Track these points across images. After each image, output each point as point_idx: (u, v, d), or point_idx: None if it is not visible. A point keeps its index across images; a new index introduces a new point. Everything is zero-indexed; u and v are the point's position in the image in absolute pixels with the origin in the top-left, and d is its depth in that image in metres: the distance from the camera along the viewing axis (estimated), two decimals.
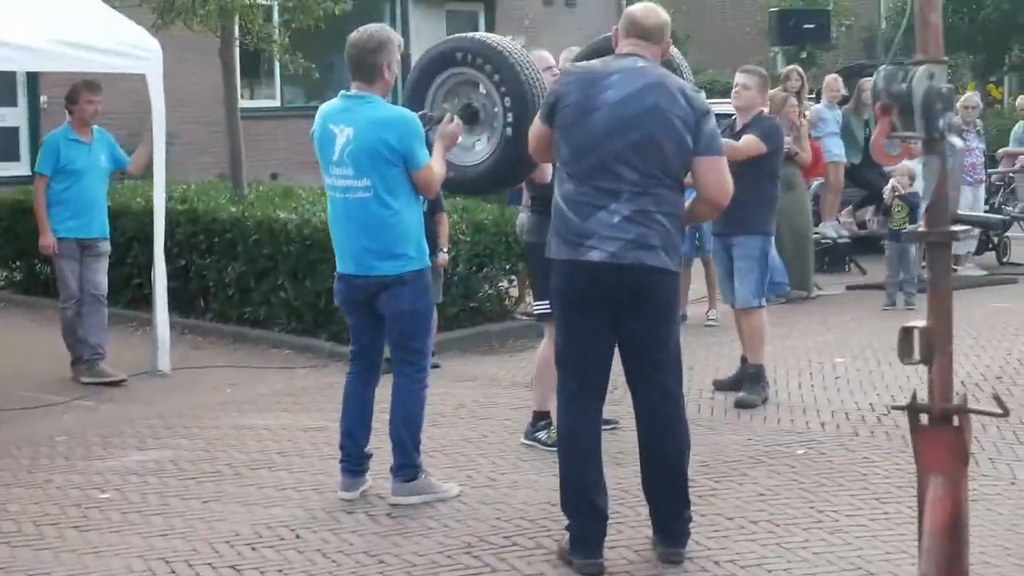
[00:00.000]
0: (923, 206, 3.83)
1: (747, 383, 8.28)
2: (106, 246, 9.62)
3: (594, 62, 5.54)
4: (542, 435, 7.20)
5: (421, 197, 6.27)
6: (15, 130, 18.15)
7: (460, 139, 6.46)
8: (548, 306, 6.85)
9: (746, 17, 29.81)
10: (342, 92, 6.25)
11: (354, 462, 6.41)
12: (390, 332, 6.31)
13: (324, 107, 6.29)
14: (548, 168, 6.59)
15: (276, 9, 14.06)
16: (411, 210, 6.16)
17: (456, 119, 6.40)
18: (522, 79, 6.40)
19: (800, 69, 14.07)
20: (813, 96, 14.97)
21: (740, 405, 8.14)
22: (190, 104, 16.73)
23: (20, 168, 18.04)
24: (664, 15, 5.51)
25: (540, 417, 7.25)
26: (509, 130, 6.45)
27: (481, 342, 10.50)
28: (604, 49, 7.21)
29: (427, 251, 6.32)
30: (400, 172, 6.06)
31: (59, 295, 9.60)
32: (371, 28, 6.17)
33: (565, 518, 5.42)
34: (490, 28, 23.30)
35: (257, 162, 15.82)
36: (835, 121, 14.20)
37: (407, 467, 6.27)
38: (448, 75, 6.67)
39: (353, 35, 6.16)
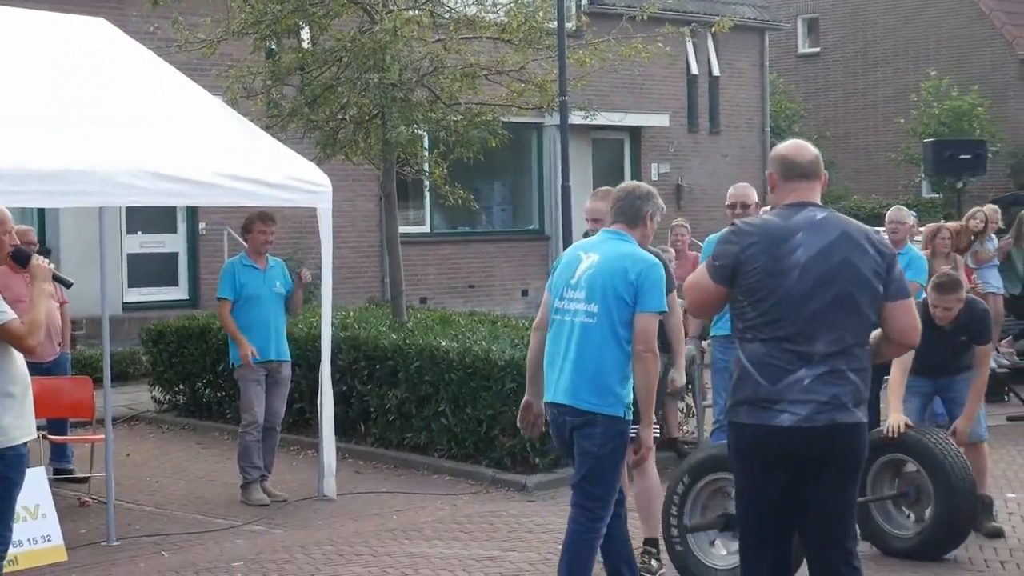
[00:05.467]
0: None
1: (983, 513, 8.22)
2: (287, 370, 9.85)
3: (770, 218, 5.25)
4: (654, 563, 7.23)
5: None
6: (174, 256, 18.66)
7: None
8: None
9: (888, 144, 29.75)
10: (603, 229, 6.47)
11: None
12: (576, 471, 6.22)
13: (581, 241, 6.59)
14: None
15: (427, 140, 14.27)
16: (623, 351, 6.09)
17: None
18: None
19: (987, 210, 14.00)
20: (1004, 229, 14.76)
21: (991, 535, 8.18)
22: (343, 230, 17.06)
23: (179, 292, 18.58)
24: (813, 148, 5.31)
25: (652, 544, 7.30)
26: None
27: None
28: None
29: (628, 402, 6.16)
30: (627, 309, 6.05)
31: (240, 419, 9.79)
32: (637, 182, 6.63)
33: None
34: (635, 156, 23.57)
35: (407, 287, 16.06)
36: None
37: None
38: None
39: (623, 184, 6.61)
